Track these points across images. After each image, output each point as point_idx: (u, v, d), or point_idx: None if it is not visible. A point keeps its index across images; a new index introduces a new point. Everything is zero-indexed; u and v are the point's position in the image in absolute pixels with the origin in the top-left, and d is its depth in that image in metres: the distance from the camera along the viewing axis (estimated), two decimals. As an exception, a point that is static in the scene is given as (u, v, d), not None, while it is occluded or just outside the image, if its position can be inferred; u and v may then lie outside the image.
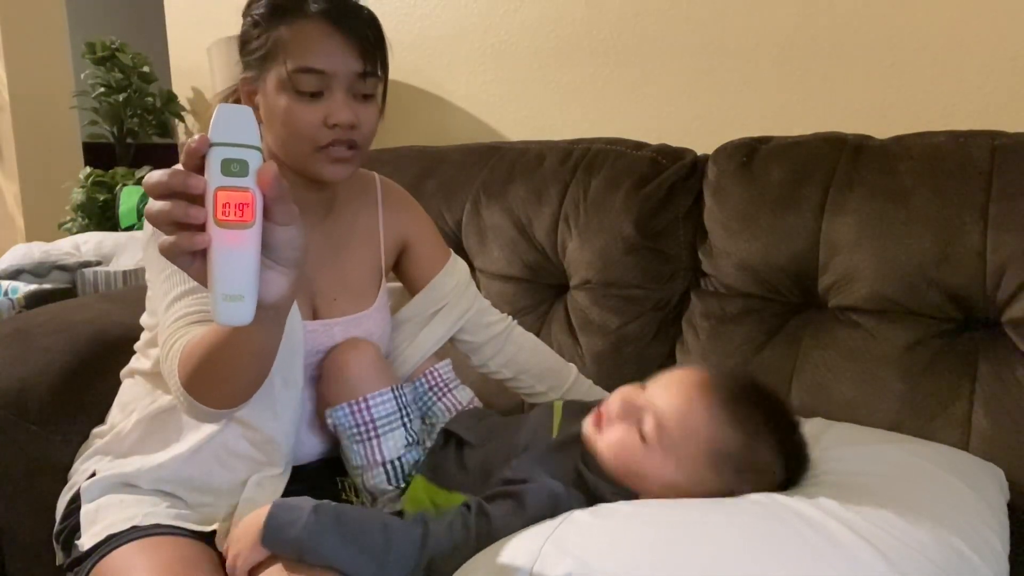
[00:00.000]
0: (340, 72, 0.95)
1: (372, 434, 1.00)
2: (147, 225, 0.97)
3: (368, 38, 0.97)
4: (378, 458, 1.00)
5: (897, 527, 0.75)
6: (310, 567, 0.84)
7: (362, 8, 0.99)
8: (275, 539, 0.84)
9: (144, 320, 1.09)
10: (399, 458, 1.01)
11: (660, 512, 0.78)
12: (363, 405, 1.00)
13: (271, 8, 0.97)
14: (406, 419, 1.03)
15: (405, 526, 0.85)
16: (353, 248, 1.12)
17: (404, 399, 1.04)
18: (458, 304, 1.18)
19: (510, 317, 1.25)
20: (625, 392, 0.92)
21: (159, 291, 0.93)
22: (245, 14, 1.00)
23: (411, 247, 1.19)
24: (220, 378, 0.82)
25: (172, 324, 0.88)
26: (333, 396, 1.02)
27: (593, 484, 0.88)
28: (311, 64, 0.94)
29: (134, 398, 1.07)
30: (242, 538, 0.87)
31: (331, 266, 1.09)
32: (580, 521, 0.78)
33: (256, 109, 1.00)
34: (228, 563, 0.88)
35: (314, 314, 1.07)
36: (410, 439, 1.03)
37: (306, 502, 0.87)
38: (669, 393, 0.89)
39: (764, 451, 0.86)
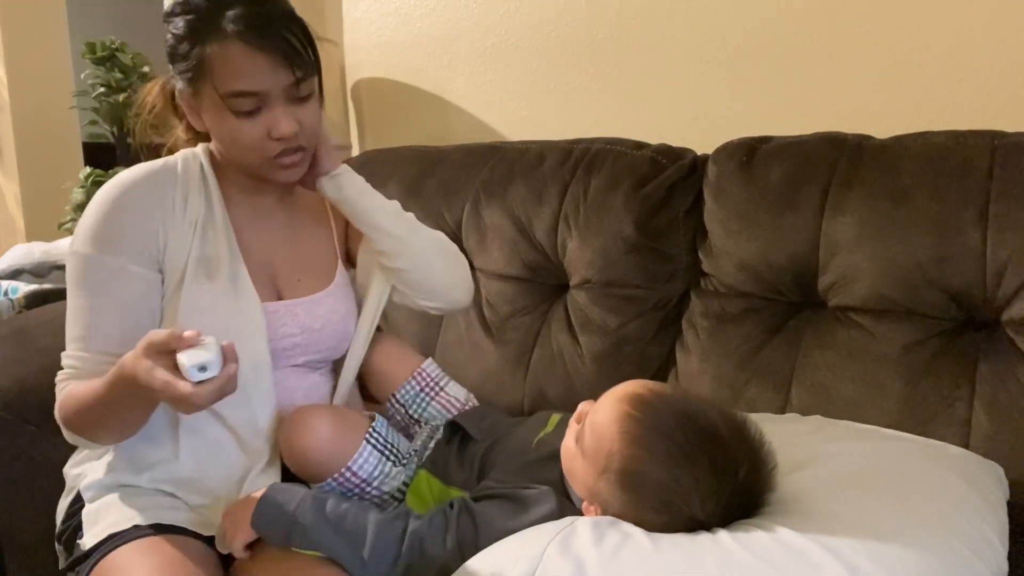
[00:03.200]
0: (273, 88, 0.95)
1: (370, 489, 0.99)
2: (81, 257, 0.98)
3: (293, 45, 0.94)
4: (384, 497, 1.01)
5: (895, 526, 0.76)
6: (293, 553, 0.88)
7: (277, 10, 0.96)
8: (264, 521, 0.88)
9: None
10: (403, 482, 1.01)
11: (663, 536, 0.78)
12: (347, 475, 0.97)
13: (188, 27, 0.95)
14: (393, 456, 1.01)
15: (388, 520, 0.88)
16: (310, 228, 1.14)
17: (382, 439, 1.01)
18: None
19: None
20: (590, 401, 0.92)
21: (69, 313, 0.99)
22: (165, 23, 0.98)
23: (350, 224, 1.17)
24: (95, 428, 0.96)
25: (63, 370, 0.99)
26: (313, 476, 0.99)
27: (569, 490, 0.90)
28: (243, 88, 0.94)
29: None
30: (235, 514, 0.91)
31: (290, 246, 1.11)
32: (584, 531, 0.78)
33: (199, 119, 1.01)
34: (217, 536, 0.94)
35: (278, 296, 1.07)
36: (403, 463, 1.02)
37: (301, 488, 0.91)
38: (602, 402, 0.88)
39: (676, 485, 0.79)
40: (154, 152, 1.10)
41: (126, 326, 0.97)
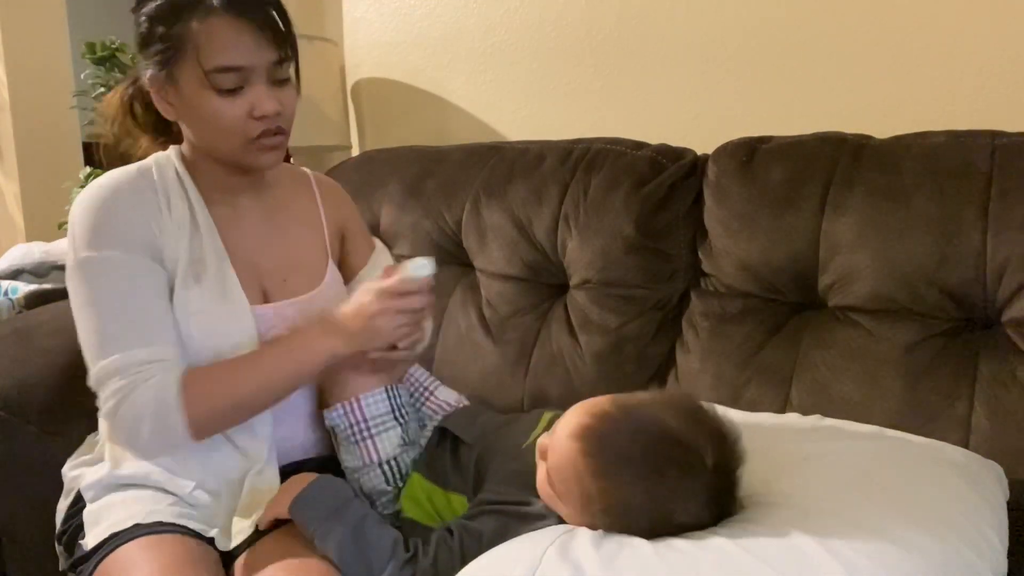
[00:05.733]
0: (258, 65, 0.95)
1: (366, 434, 1.00)
2: (86, 262, 0.96)
3: (277, 24, 0.96)
4: (374, 458, 1.01)
5: (894, 526, 0.75)
6: (295, 555, 0.90)
7: None
8: (299, 511, 0.91)
9: None
10: (395, 458, 1.01)
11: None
12: (356, 405, 1.00)
13: (168, 7, 0.95)
14: (401, 419, 1.03)
15: (404, 560, 0.88)
16: (296, 229, 1.13)
17: (399, 399, 1.04)
18: None
19: None
20: (546, 433, 0.89)
21: (95, 326, 0.96)
22: (137, 11, 0.98)
23: (347, 239, 1.20)
24: (241, 410, 0.98)
25: (119, 380, 0.94)
26: (329, 398, 1.03)
27: None
28: (228, 63, 0.94)
29: None
30: (283, 492, 0.94)
31: (274, 246, 1.10)
32: (583, 535, 0.78)
33: (170, 106, 1.00)
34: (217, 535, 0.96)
35: (264, 297, 1.07)
36: (405, 439, 1.03)
37: (344, 492, 0.93)
38: (556, 441, 0.85)
39: (654, 502, 0.79)
40: (124, 160, 1.07)
41: (163, 311, 0.97)
